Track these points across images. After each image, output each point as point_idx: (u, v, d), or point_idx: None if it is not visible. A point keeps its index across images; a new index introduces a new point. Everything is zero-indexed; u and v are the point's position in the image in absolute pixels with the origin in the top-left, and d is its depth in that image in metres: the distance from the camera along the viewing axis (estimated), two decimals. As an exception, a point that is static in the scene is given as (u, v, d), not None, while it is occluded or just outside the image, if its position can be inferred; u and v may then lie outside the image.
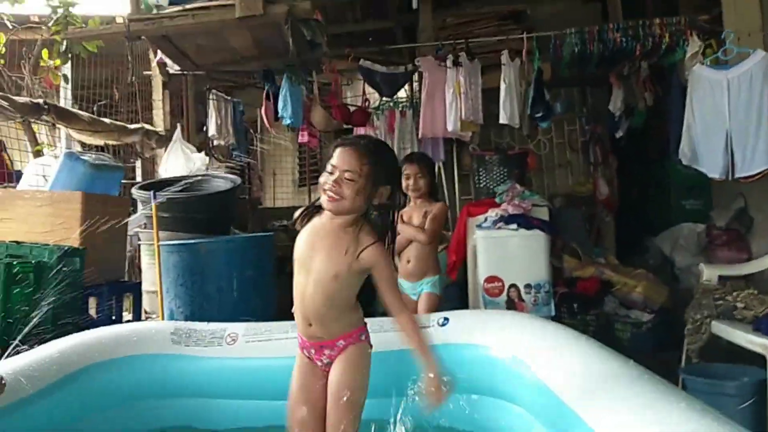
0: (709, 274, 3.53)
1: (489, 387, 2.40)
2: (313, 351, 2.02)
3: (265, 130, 5.82)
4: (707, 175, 3.72)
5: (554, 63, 4.56)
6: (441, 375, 1.85)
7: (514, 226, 4.18)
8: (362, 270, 1.89)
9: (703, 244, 4.95)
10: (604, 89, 5.11)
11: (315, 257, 1.90)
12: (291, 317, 3.14)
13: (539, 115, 4.43)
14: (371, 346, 2.06)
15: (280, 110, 4.85)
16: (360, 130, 5.45)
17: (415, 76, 5.25)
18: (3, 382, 1.82)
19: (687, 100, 3.69)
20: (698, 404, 1.55)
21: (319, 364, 2.03)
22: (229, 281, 3.71)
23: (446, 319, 2.59)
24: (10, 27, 4.83)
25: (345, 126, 5.46)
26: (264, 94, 5.00)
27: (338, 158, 1.83)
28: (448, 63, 4.50)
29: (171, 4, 3.90)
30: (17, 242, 3.20)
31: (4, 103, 3.53)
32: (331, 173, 1.82)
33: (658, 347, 4.14)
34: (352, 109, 5.23)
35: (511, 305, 4.06)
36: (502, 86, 4.38)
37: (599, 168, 5.57)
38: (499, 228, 4.20)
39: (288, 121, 4.88)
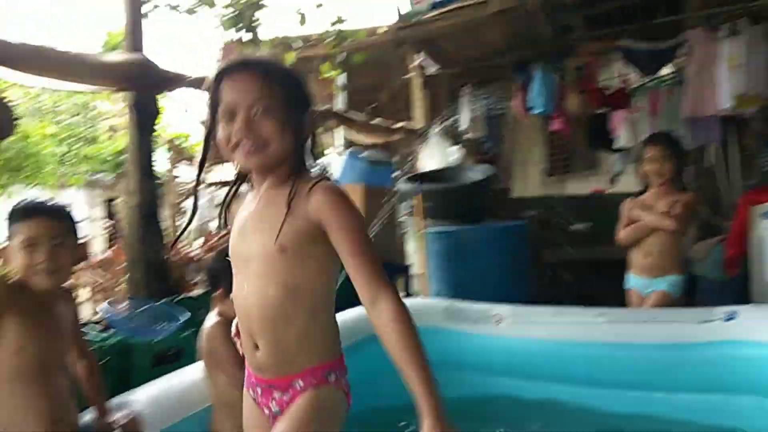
0: None
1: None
2: (259, 391, 1.33)
3: (513, 121, 5.89)
4: None
5: None
6: (445, 423, 1.08)
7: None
8: (316, 227, 1.21)
9: None
10: None
11: (249, 242, 1.29)
12: (548, 302, 3.14)
13: None
14: (347, 395, 1.33)
15: (532, 100, 4.88)
16: (617, 114, 5.19)
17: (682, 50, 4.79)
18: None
19: None
20: None
21: (266, 412, 1.32)
22: (488, 267, 3.88)
23: (734, 312, 2.37)
24: (299, 44, 5.63)
25: (601, 110, 5.25)
26: (516, 85, 5.08)
27: (233, 93, 1.22)
28: (722, 33, 4.03)
29: (432, 8, 4.20)
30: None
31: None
32: (230, 120, 1.22)
33: None
34: (608, 92, 5.01)
35: (808, 306, 3.51)
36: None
37: None
38: (793, 217, 3.65)
39: (540, 110, 4.88)
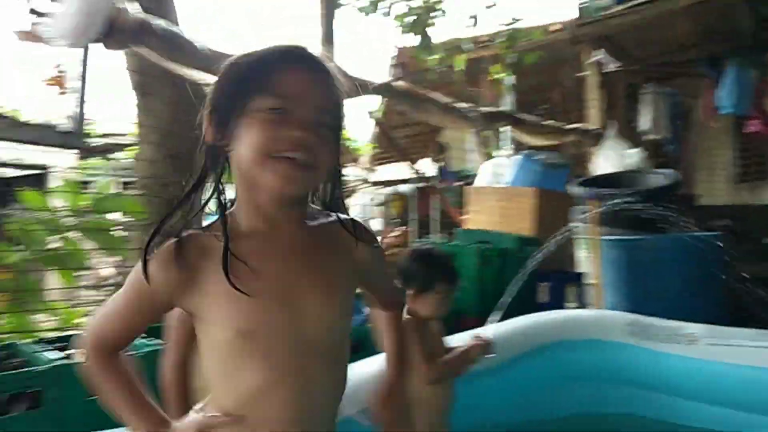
0: None
1: None
2: None
3: (699, 122, 5.40)
4: None
5: None
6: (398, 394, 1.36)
7: None
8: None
9: None
10: None
11: (304, 295, 0.94)
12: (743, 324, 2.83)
13: None
14: None
15: (722, 98, 4.45)
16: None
17: None
18: (490, 343, 2.07)
19: None
20: None
21: None
22: (671, 280, 3.60)
23: None
24: (470, 46, 5.64)
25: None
26: (705, 83, 4.66)
27: (302, 87, 0.92)
28: None
29: (618, 3, 3.99)
30: (484, 230, 3.78)
31: (473, 114, 4.20)
32: (281, 120, 0.90)
33: None
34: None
35: None
36: None
37: None
38: None
39: (730, 110, 4.45)
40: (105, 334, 0.96)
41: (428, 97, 3.98)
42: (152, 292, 0.90)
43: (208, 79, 3.07)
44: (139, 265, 0.90)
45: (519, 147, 5.51)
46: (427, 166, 7.40)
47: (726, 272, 4.38)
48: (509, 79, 5.82)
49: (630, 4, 3.94)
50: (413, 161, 7.07)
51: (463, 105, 4.30)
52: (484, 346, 1.96)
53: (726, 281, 4.25)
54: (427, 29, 4.56)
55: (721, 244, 4.15)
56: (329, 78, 0.94)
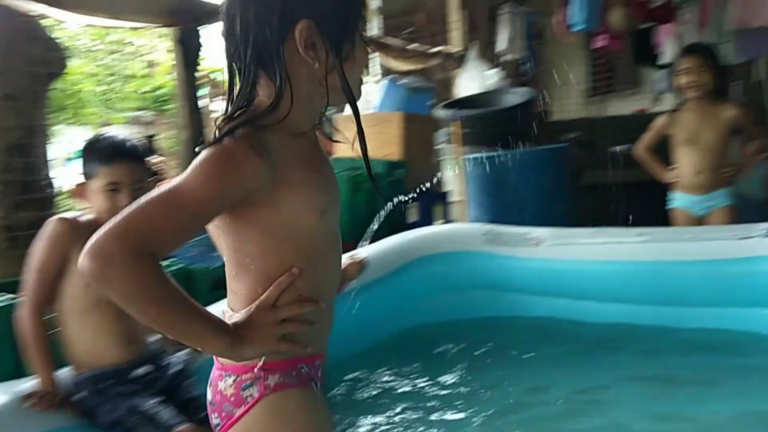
0: None
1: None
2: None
3: (553, 40, 5.73)
4: None
5: None
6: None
7: None
8: None
9: None
10: None
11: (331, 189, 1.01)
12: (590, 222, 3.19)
13: None
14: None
15: (573, 16, 4.72)
16: (662, 29, 5.01)
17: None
18: (365, 262, 2.18)
19: None
20: None
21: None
22: (528, 191, 3.94)
23: (773, 229, 2.41)
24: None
25: (646, 24, 5.07)
26: (559, 0, 4.91)
27: None
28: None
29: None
30: (353, 157, 3.89)
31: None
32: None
33: None
34: (653, 4, 4.82)
35: None
36: None
37: None
38: None
39: (582, 26, 4.74)
40: (151, 235, 0.81)
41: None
42: (240, 180, 0.85)
43: (45, 11, 2.82)
44: (222, 155, 0.85)
45: (388, 73, 5.59)
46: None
47: (574, 180, 4.85)
48: (375, 2, 5.80)
49: None
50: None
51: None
52: (360, 265, 2.09)
53: (575, 188, 4.72)
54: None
55: (569, 155, 4.57)
56: None
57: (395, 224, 3.66)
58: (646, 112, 6.41)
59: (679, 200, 2.95)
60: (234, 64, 0.92)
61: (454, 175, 4.49)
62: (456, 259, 2.97)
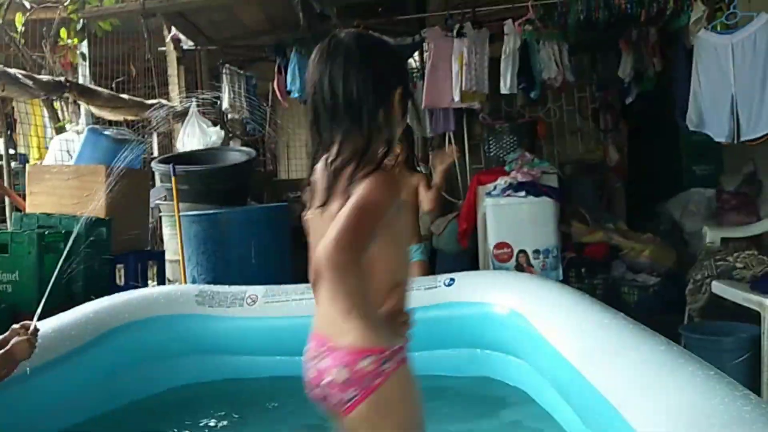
0: (713, 236, 3.66)
1: (491, 342, 2.60)
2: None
3: (278, 103, 5.96)
4: (714, 139, 3.81)
5: (561, 30, 4.63)
6: None
7: (523, 193, 4.32)
8: None
9: (713, 208, 5.05)
10: (614, 55, 5.17)
11: None
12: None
13: (522, 86, 4.52)
14: None
15: (289, 84, 4.97)
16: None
17: (425, 47, 5.33)
18: (36, 329, 1.74)
19: (693, 65, 3.77)
20: (681, 350, 1.72)
21: None
22: (247, 250, 3.93)
23: (452, 279, 2.77)
24: (29, 7, 4.99)
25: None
26: (276, 68, 5.14)
27: None
28: (453, 33, 4.59)
29: (184, -19, 4.04)
30: (48, 214, 3.43)
31: (29, 82, 3.72)
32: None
33: (665, 309, 4.28)
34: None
35: (520, 270, 4.23)
36: (503, 56, 4.48)
37: (610, 134, 5.67)
38: (509, 195, 4.35)
39: (296, 95, 5.01)
40: (361, 243, 1.14)
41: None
42: (397, 197, 1.25)
43: None
44: (388, 179, 1.20)
45: (100, 122, 5.16)
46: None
47: (297, 237, 5.01)
48: (83, 47, 5.36)
49: (197, -17, 4.05)
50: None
51: (18, 71, 3.77)
52: (29, 343, 1.70)
53: (296, 245, 4.87)
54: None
55: (291, 213, 4.72)
56: None
57: (100, 288, 3.30)
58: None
59: None
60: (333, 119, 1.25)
61: (171, 233, 4.27)
62: (166, 323, 2.77)
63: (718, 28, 3.77)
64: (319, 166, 1.30)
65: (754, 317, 2.80)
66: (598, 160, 5.80)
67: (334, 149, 1.24)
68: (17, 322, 2.55)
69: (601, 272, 4.70)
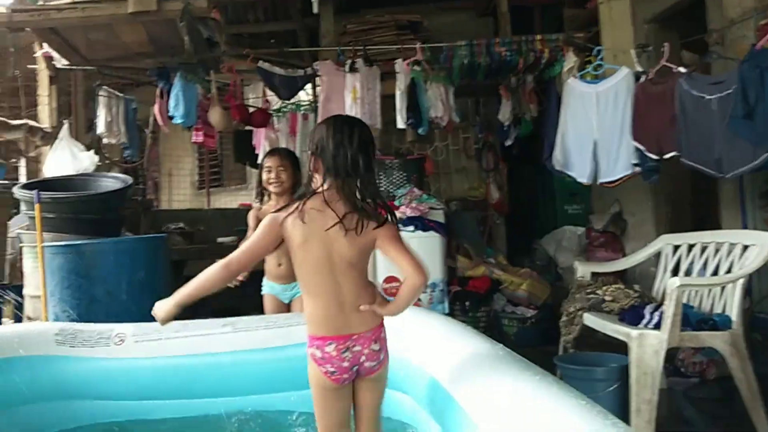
0: (583, 270, 3.89)
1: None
2: None
3: (159, 129, 5.70)
4: (576, 179, 4.11)
5: (447, 72, 4.84)
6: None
7: (412, 228, 4.40)
8: None
9: (583, 245, 5.43)
10: (495, 100, 5.47)
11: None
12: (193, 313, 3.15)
13: (410, 122, 4.67)
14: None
15: (171, 109, 4.75)
16: (260, 132, 5.48)
17: (318, 80, 5.36)
18: None
19: (561, 110, 4.07)
20: (555, 381, 1.78)
21: None
22: (118, 284, 3.64)
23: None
24: None
25: (244, 127, 5.47)
26: (158, 92, 4.91)
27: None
28: (346, 68, 4.65)
29: (58, -5, 3.79)
30: None
31: None
32: None
33: (542, 340, 4.49)
34: (251, 109, 5.26)
35: (407, 304, 4.26)
36: (398, 93, 4.59)
37: (491, 174, 5.95)
38: (398, 230, 4.39)
39: (179, 121, 4.80)
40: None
41: None
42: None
43: None
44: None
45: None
46: None
47: (176, 271, 4.75)
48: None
49: (72, 0, 3.80)
50: None
51: None
52: None
53: (175, 279, 4.60)
54: None
55: (169, 245, 4.47)
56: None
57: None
58: (250, 207, 6.82)
59: (269, 287, 3.16)
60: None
61: (33, 265, 3.89)
62: (19, 366, 2.48)
63: (587, 78, 4.11)
64: (329, 197, 1.71)
65: (623, 347, 2.96)
66: (481, 197, 6.06)
67: (357, 192, 1.71)
68: None
69: (484, 305, 4.85)
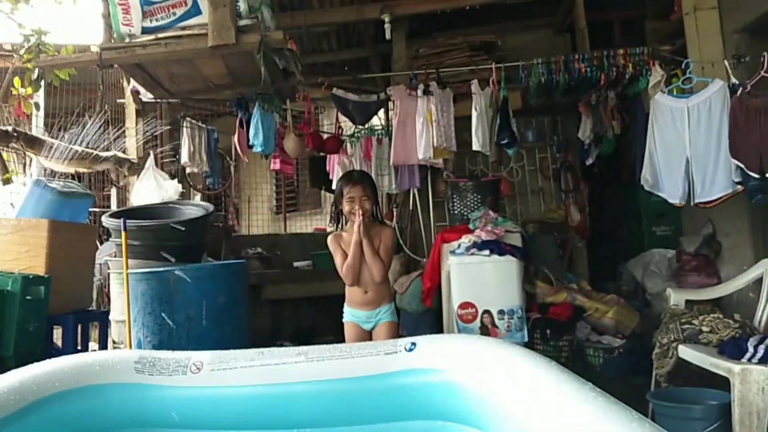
0: (677, 298, 3.60)
1: (447, 412, 2.42)
2: None
3: (239, 158, 5.85)
4: (668, 200, 3.82)
5: (523, 92, 4.68)
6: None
7: (487, 252, 4.25)
8: None
9: (674, 269, 5.05)
10: (574, 118, 5.25)
11: None
12: (269, 340, 3.15)
13: (505, 141, 4.52)
14: None
15: (251, 138, 4.88)
16: (333, 158, 5.51)
17: (391, 104, 5.34)
18: None
19: (649, 127, 3.81)
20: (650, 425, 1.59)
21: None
22: (198, 309, 3.69)
23: (413, 344, 2.61)
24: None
25: (318, 153, 5.51)
26: (237, 122, 5.05)
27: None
28: (419, 92, 4.60)
29: (144, 33, 3.96)
30: (-19, 271, 3.18)
31: (-27, 131, 3.53)
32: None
33: (630, 372, 4.19)
34: (325, 136, 5.30)
35: (485, 331, 4.10)
36: (474, 114, 4.48)
37: (571, 195, 5.69)
38: (473, 254, 4.26)
39: (259, 149, 4.92)
40: None
41: None
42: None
43: None
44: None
45: (54, 174, 4.95)
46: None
47: (255, 295, 4.80)
48: (38, 97, 5.19)
49: (155, 37, 3.96)
50: None
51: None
52: None
53: (254, 303, 4.65)
54: None
55: (249, 270, 4.52)
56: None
57: (34, 352, 3.03)
58: (325, 231, 6.86)
59: (351, 315, 3.12)
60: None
61: (119, 291, 4.02)
62: (99, 394, 2.51)
63: (675, 92, 3.84)
64: None
65: (723, 382, 2.70)
66: (560, 219, 5.79)
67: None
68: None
69: (566, 334, 4.59)
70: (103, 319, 3.74)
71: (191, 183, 6.12)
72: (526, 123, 5.70)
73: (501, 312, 4.18)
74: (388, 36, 5.16)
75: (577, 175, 5.77)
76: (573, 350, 4.56)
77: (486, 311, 4.18)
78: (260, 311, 5.17)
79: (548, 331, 4.56)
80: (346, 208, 3.05)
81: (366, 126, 5.48)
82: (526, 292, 4.49)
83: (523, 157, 5.76)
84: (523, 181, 5.84)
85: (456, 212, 5.34)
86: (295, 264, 5.73)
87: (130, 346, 3.54)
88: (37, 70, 4.81)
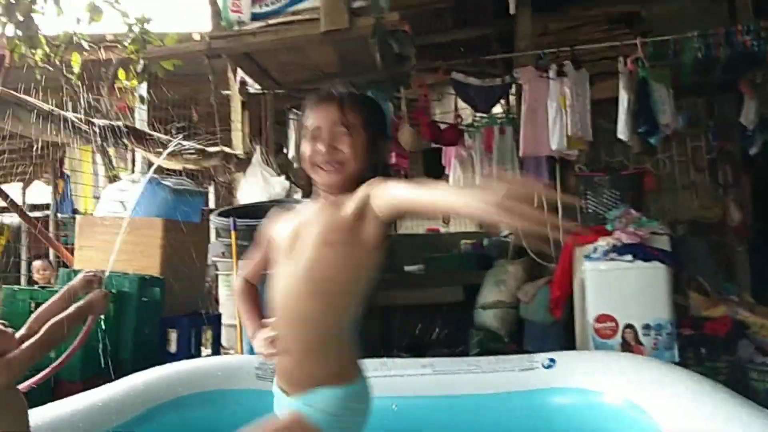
0: None
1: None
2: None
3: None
4: None
5: (674, 70, 4.51)
6: None
7: (630, 257, 4.13)
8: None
9: None
10: (734, 99, 4.97)
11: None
12: (380, 349, 3.21)
13: (642, 130, 4.37)
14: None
15: (363, 130, 5.01)
16: (450, 150, 5.55)
17: (513, 89, 5.30)
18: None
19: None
20: None
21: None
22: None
23: (552, 360, 2.62)
24: (87, 47, 5.28)
25: (434, 145, 5.58)
26: (347, 112, 5.19)
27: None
28: (551, 74, 4.54)
29: (253, 20, 4.19)
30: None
31: (84, 126, 3.90)
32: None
33: (807, 402, 3.93)
34: (442, 126, 5.34)
35: (627, 348, 4.00)
36: (622, 97, 4.37)
37: (730, 190, 5.41)
38: (612, 259, 4.16)
39: (371, 139, 5.04)
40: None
41: (22, 101, 3.53)
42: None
43: None
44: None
45: (159, 171, 5.34)
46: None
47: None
48: (141, 90, 5.63)
49: (266, 23, 4.18)
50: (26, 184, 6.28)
51: (73, 115, 3.96)
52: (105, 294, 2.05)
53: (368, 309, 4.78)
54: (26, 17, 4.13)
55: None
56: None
57: (151, 355, 3.32)
58: (438, 232, 6.93)
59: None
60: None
61: (228, 294, 4.30)
62: (221, 400, 2.73)
63: None
64: None
65: None
66: (716, 219, 5.52)
67: None
68: (59, 392, 2.59)
69: (725, 353, 4.38)
70: (216, 322, 4.01)
71: (296, 179, 6.37)
72: (675, 105, 5.46)
73: (646, 326, 4.05)
74: (512, 10, 5.11)
75: (738, 167, 5.47)
76: (733, 372, 4.34)
77: (628, 325, 4.06)
78: (369, 318, 5.32)
79: (703, 350, 4.36)
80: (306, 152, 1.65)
81: (486, 115, 5.47)
82: (677, 305, 4.32)
83: (672, 146, 5.53)
84: (672, 175, 5.62)
85: (590, 211, 5.22)
86: (406, 268, 5.82)
87: (241, 352, 3.78)
88: (142, 62, 5.21)
